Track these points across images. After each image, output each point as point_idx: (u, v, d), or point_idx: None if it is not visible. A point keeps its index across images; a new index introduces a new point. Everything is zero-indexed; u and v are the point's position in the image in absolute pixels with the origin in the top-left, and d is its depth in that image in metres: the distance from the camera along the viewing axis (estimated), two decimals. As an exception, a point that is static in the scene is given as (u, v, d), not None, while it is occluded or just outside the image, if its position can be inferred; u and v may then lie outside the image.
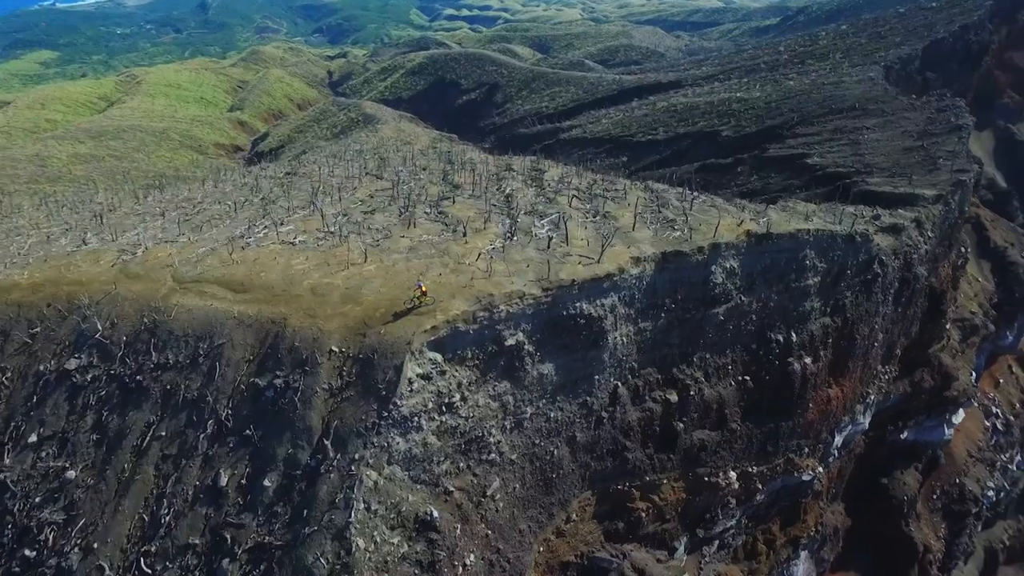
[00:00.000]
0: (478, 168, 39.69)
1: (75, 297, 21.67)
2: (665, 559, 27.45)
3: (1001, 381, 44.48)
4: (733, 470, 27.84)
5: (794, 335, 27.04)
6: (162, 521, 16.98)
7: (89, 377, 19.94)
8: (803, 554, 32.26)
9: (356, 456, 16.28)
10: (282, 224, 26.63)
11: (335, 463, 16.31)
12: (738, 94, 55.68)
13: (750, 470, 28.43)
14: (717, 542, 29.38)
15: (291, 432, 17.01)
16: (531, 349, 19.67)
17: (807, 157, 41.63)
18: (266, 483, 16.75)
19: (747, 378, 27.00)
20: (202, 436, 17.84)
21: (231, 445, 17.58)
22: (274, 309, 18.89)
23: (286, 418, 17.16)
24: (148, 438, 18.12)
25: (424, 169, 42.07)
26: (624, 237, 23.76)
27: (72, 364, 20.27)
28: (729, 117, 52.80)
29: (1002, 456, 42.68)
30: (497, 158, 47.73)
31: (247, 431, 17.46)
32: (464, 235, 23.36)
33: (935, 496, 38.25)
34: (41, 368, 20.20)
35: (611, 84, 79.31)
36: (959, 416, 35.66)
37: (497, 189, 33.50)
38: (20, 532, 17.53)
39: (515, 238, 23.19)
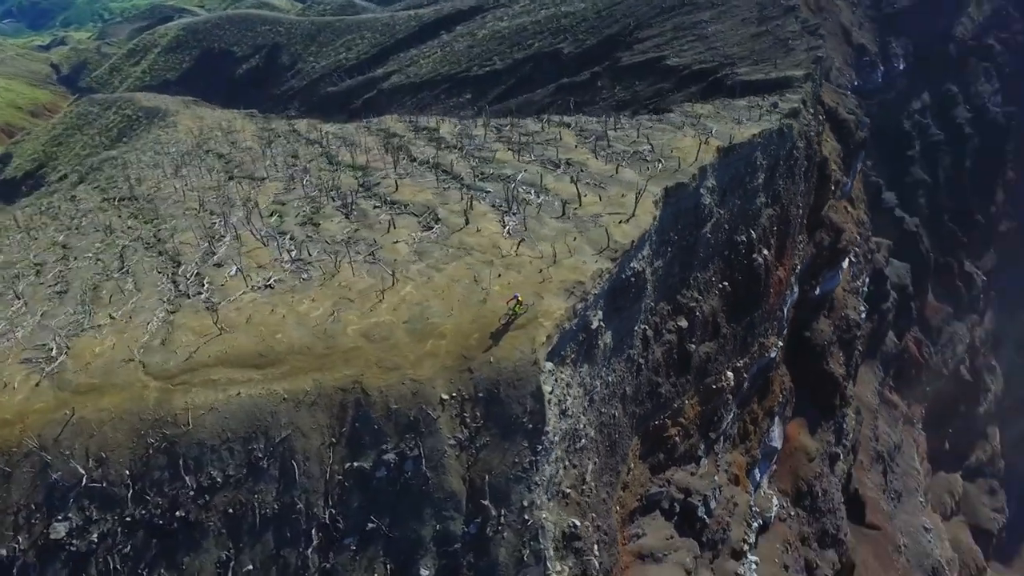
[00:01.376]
0: (362, 142, 35.60)
1: (8, 444, 15.96)
2: (696, 470, 28.95)
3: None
4: (729, 370, 29.67)
5: (753, 232, 28.71)
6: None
7: (95, 537, 15.08)
8: (776, 420, 36.01)
9: (524, 503, 14.33)
10: (220, 265, 21.73)
11: (502, 520, 14.23)
12: (563, 8, 55.53)
13: (739, 365, 30.54)
14: (723, 438, 31.55)
15: (431, 507, 14.42)
16: (603, 324, 18.54)
17: (664, 59, 43.14)
18: (423, 572, 14.20)
19: (726, 283, 28.37)
20: (309, 551, 14.50)
21: (353, 548, 14.53)
22: (336, 374, 15.45)
23: (418, 493, 14.46)
24: (232, 580, 14.35)
25: (296, 156, 36.85)
26: (616, 182, 22.90)
27: (60, 530, 15.14)
28: (563, 34, 52.67)
29: (858, 282, 50.51)
30: (357, 126, 43.16)
31: (369, 525, 14.49)
32: (467, 222, 20.85)
33: (833, 332, 44.40)
34: (6, 552, 14.84)
35: (408, 21, 74.84)
36: (846, 262, 41.33)
37: (412, 160, 30.41)
38: None
39: (518, 212, 21.23)
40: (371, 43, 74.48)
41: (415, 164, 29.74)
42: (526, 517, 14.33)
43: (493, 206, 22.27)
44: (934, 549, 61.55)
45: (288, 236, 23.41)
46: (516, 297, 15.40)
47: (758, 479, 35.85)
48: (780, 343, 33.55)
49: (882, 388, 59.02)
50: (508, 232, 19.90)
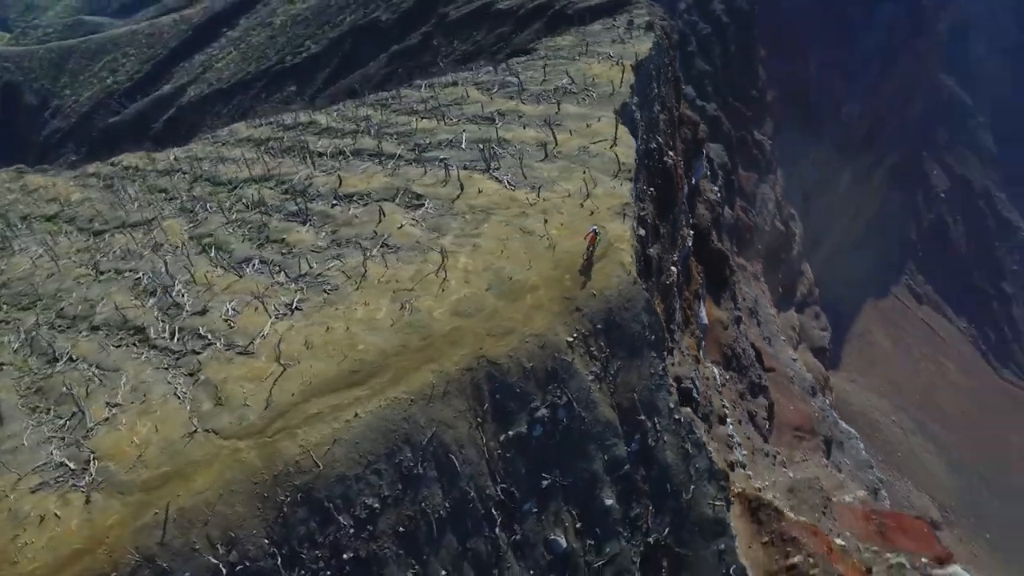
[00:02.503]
0: (234, 155, 32.47)
1: (103, 571, 13.60)
2: (674, 360, 31.95)
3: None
4: (671, 265, 32.70)
5: (659, 138, 31.42)
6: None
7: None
8: (700, 301, 40.29)
9: (671, 405, 15.45)
10: (204, 312, 19.39)
11: (658, 427, 15.26)
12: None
13: (675, 259, 33.72)
14: (677, 327, 34.89)
15: (593, 442, 14.98)
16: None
17: (495, 3, 44.03)
18: (607, 501, 14.87)
19: (652, 189, 30.94)
20: (497, 532, 14.43)
21: (535, 511, 14.72)
22: (453, 358, 15.04)
23: (578, 435, 14.91)
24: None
25: (163, 191, 32.74)
26: (567, 117, 23.84)
27: (217, 629, 13.43)
28: (374, 2, 51.16)
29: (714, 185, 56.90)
30: (205, 144, 38.81)
31: (543, 483, 14.73)
32: (461, 188, 20.62)
33: (709, 214, 50.01)
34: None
35: (176, 27, 67.34)
36: (708, 151, 46.51)
37: (320, 155, 28.66)
38: None
39: (499, 167, 21.42)
40: (140, 59, 66.05)
41: (327, 158, 28.07)
42: (676, 416, 15.49)
43: (466, 168, 22.14)
44: (805, 373, 73.59)
45: (257, 260, 21.35)
46: (594, 231, 16.01)
47: (701, 356, 40.23)
48: (691, 232, 37.41)
49: (732, 254, 67.69)
50: (510, 184, 20.11)
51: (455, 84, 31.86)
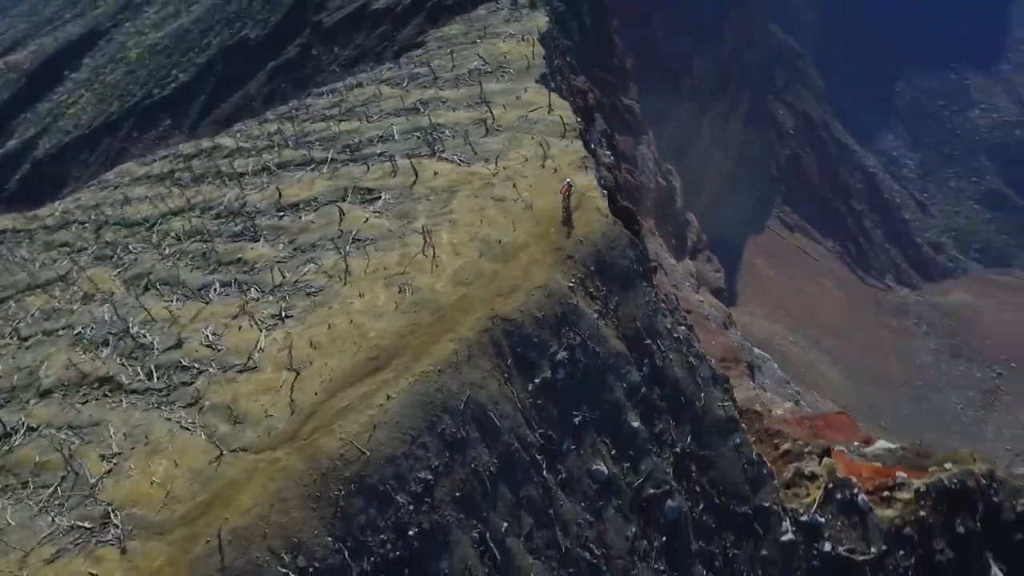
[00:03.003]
0: (139, 193, 30.75)
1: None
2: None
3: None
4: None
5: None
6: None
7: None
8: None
9: (668, 326, 16.91)
10: (180, 344, 18.65)
11: (662, 348, 16.69)
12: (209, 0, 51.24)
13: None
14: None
15: (611, 373, 16.15)
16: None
17: (370, 5, 43.99)
18: (634, 424, 16.13)
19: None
20: (545, 475, 15.28)
21: (573, 447, 15.70)
22: (468, 323, 15.63)
23: (596, 369, 16.02)
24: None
25: (65, 245, 30.45)
26: (493, 95, 24.74)
27: None
28: (238, 20, 49.38)
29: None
30: (96, 190, 36.03)
31: (575, 420, 15.74)
32: (416, 174, 21.04)
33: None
34: None
35: (5, 76, 61.30)
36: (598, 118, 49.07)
37: (240, 175, 27.87)
38: None
39: (443, 148, 22.03)
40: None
41: (251, 176, 27.31)
42: (675, 335, 17.00)
43: (409, 157, 22.50)
44: (715, 314, 79.27)
45: (217, 284, 20.67)
46: (568, 183, 17.10)
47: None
48: (606, 192, 39.62)
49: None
50: (463, 162, 20.77)
51: (360, 85, 31.80)
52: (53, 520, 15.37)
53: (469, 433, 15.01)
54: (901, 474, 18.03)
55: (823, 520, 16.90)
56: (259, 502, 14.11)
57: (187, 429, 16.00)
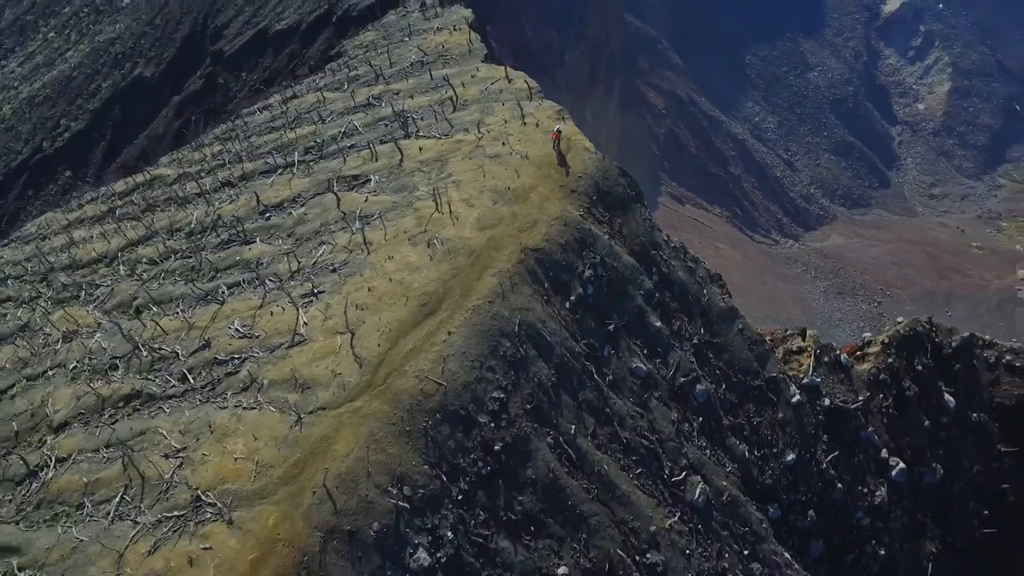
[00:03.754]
0: (96, 233, 29.76)
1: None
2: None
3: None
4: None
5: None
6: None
7: (449, 534, 14.96)
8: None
9: (665, 238, 19.35)
10: (207, 346, 18.96)
11: (665, 256, 19.10)
12: (101, 38, 49.32)
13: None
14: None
15: (628, 283, 18.33)
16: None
17: (270, 29, 44.32)
18: (656, 324, 18.36)
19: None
20: (603, 383, 17.19)
21: (611, 351, 17.70)
22: (503, 259, 17.26)
23: (618, 281, 18.13)
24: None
25: (43, 279, 28.92)
26: (448, 79, 26.43)
27: (422, 558, 14.51)
28: (128, 60, 47.92)
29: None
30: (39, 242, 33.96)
31: (610, 328, 17.76)
32: (401, 155, 22.34)
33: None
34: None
35: None
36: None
37: (215, 190, 27.85)
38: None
39: (417, 128, 23.48)
40: None
41: (213, 194, 27.31)
42: (673, 245, 19.46)
43: (384, 143, 23.73)
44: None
45: (222, 287, 20.94)
46: (557, 130, 19.18)
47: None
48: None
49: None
50: (444, 136, 22.32)
51: (295, 96, 32.38)
52: (135, 522, 15.45)
53: (527, 351, 16.64)
54: (867, 334, 21.40)
55: (818, 380, 19.88)
56: (355, 447, 15.00)
57: (251, 408, 16.52)
